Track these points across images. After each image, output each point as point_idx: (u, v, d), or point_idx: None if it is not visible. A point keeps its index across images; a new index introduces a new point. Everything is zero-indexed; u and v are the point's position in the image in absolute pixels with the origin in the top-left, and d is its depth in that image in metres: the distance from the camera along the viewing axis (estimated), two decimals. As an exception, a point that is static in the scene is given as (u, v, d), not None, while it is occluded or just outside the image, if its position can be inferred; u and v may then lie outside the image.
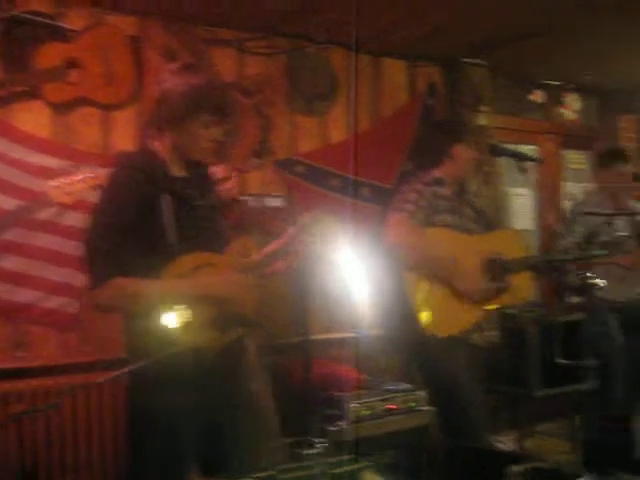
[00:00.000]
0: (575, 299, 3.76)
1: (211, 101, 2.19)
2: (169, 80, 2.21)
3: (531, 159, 3.51)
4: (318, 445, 1.31)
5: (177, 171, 2.25)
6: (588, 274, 2.83)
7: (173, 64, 2.31)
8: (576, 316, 3.76)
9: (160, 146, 2.23)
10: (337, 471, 1.40)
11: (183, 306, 2.02)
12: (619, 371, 3.98)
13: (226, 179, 3.47)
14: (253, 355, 3.14)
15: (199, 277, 2.11)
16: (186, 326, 2.01)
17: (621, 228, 4.12)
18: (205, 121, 2.19)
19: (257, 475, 1.56)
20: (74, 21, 3.90)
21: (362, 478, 1.31)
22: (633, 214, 4.08)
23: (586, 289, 2.83)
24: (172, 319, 2.01)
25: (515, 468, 0.85)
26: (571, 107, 6.37)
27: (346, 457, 1.56)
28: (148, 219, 2.09)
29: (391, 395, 3.84)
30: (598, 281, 2.92)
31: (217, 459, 2.17)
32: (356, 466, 1.44)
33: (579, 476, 0.81)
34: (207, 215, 2.24)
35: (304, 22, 4.38)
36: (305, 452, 1.26)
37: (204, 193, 2.28)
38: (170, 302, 2.02)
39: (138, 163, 2.19)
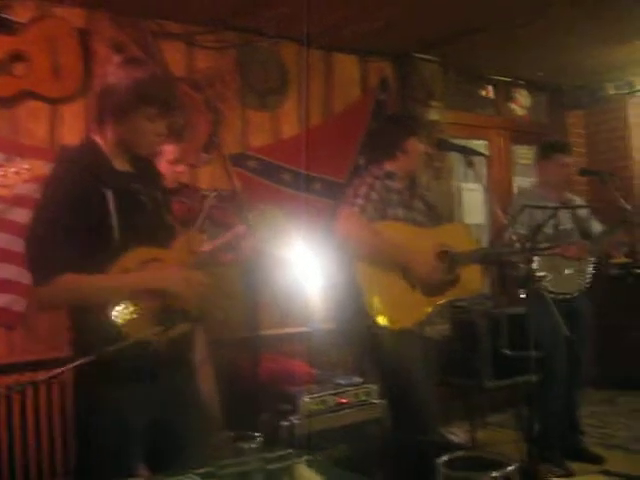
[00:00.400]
0: (522, 291, 3.81)
1: (156, 94, 2.16)
2: (113, 73, 2.18)
3: (478, 153, 3.55)
4: (257, 439, 1.30)
5: (122, 165, 2.22)
6: (532, 266, 2.87)
7: (117, 57, 2.27)
8: (523, 308, 3.82)
9: (104, 140, 2.19)
10: (271, 467, 1.40)
11: (129, 301, 2.00)
12: (564, 362, 4.07)
13: (178, 173, 3.46)
14: (200, 350, 3.14)
15: (145, 272, 2.09)
16: (132, 321, 1.99)
17: (564, 220, 4.21)
18: (150, 115, 2.16)
19: (197, 471, 1.55)
20: (20, 13, 3.82)
21: (295, 473, 1.31)
22: (574, 207, 4.15)
23: (531, 281, 2.87)
24: (118, 315, 1.99)
25: (443, 457, 0.86)
26: (521, 103, 6.46)
27: (281, 452, 1.57)
28: (92, 214, 2.06)
29: (342, 389, 3.86)
30: (542, 273, 2.97)
31: (163, 454, 2.16)
32: (289, 461, 1.45)
33: (508, 465, 0.82)
34: (153, 210, 2.22)
35: (255, 16, 4.37)
36: (243, 446, 1.26)
37: (150, 188, 2.25)
38: (116, 297, 2.00)
39: (81, 157, 2.15)
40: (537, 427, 4.28)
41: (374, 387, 3.92)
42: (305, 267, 3.95)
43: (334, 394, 3.81)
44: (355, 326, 3.41)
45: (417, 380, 3.37)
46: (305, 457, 1.59)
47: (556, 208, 3.48)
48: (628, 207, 3.87)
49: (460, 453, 0.86)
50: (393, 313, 3.29)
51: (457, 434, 4.83)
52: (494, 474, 0.81)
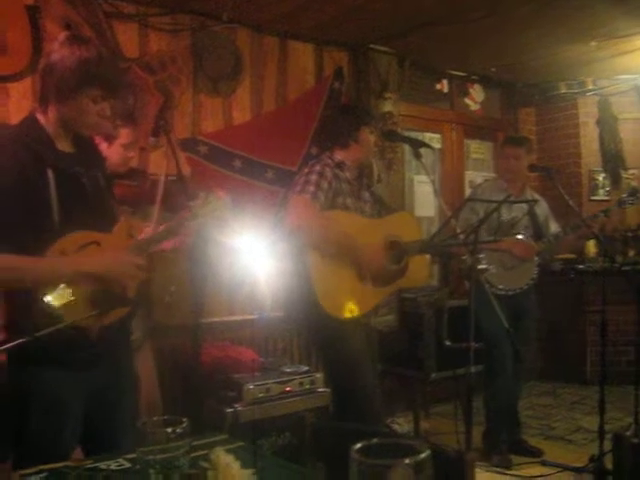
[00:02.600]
0: (467, 283, 3.86)
1: (100, 75, 2.12)
2: (57, 51, 2.13)
3: (426, 145, 3.56)
4: (183, 425, 1.30)
5: (64, 146, 2.18)
6: (476, 259, 2.90)
7: (62, 34, 2.21)
8: (466, 300, 3.87)
9: (47, 119, 2.15)
10: (194, 453, 1.40)
11: (65, 284, 1.97)
12: (505, 355, 4.14)
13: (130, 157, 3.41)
14: (139, 335, 3.11)
15: (82, 256, 2.06)
16: (68, 304, 1.97)
17: (514, 214, 4.25)
18: (94, 95, 2.12)
19: (127, 456, 1.54)
20: (-34, -12, 3.73)
21: (214, 458, 1.31)
22: (518, 202, 4.20)
23: (473, 274, 2.90)
24: (54, 297, 1.96)
25: (358, 444, 0.87)
26: (474, 98, 6.53)
27: (214, 438, 1.57)
28: (31, 194, 2.02)
29: (288, 377, 3.88)
30: (485, 266, 3.01)
31: (99, 439, 2.14)
32: (207, 447, 1.45)
33: (421, 451, 0.83)
34: (94, 192, 2.18)
35: (210, 0, 4.33)
36: (168, 431, 1.25)
37: (92, 170, 2.22)
38: (52, 280, 1.97)
39: (22, 135, 2.10)
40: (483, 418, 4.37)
41: (319, 375, 3.95)
42: (254, 254, 3.94)
43: (279, 382, 3.83)
44: (303, 315, 3.41)
45: (361, 370, 3.39)
46: (237, 444, 1.59)
47: (499, 202, 3.51)
48: (572, 203, 3.92)
49: (375, 440, 0.87)
50: (341, 302, 3.30)
51: (401, 424, 4.88)
52: (407, 461, 0.82)
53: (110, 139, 3.18)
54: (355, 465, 0.83)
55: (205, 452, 1.43)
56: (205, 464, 1.40)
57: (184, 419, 1.31)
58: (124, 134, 3.29)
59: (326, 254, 3.26)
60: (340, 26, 4.89)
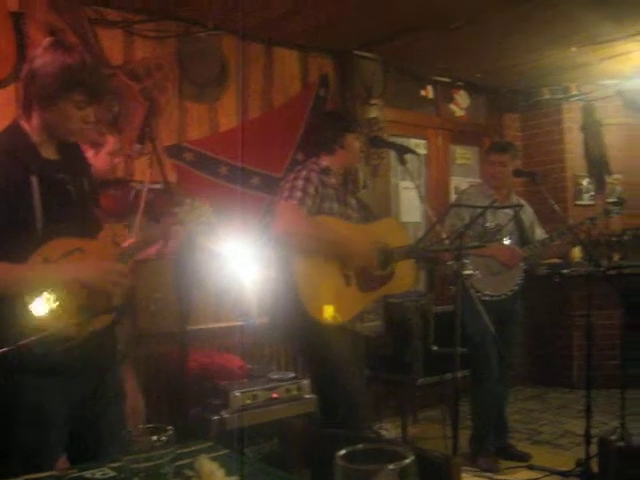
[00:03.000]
0: (452, 289, 3.87)
1: (84, 80, 2.11)
2: (41, 57, 2.13)
3: (411, 151, 3.57)
4: (168, 432, 1.29)
5: (49, 153, 2.17)
6: (461, 264, 2.91)
7: (46, 40, 2.21)
8: (452, 306, 3.88)
9: (31, 126, 2.14)
10: (180, 461, 1.39)
11: (49, 292, 1.96)
12: (491, 360, 4.15)
13: (115, 164, 3.40)
14: (124, 343, 3.09)
15: (66, 263, 2.05)
16: (51, 313, 1.95)
17: (495, 220, 4.26)
18: (77, 101, 2.11)
19: (112, 465, 1.53)
20: (-51, -6, 3.71)
21: (198, 466, 1.31)
22: (503, 207, 4.21)
23: (459, 279, 2.91)
24: (37, 306, 1.95)
25: (342, 450, 0.86)
26: (459, 104, 6.55)
27: (201, 445, 1.56)
28: (15, 201, 2.01)
29: (275, 384, 3.87)
30: (470, 271, 3.02)
31: (84, 447, 2.13)
32: (192, 455, 1.44)
33: (406, 457, 0.83)
34: (78, 199, 2.17)
35: (195, 7, 4.32)
36: (154, 439, 1.25)
37: (76, 176, 2.21)
38: (35, 288, 1.96)
39: (5, 142, 2.10)
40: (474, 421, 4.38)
41: (306, 382, 3.94)
42: (240, 261, 3.93)
43: (266, 389, 3.83)
44: (289, 321, 3.40)
45: (348, 376, 3.38)
46: (223, 451, 1.58)
47: (484, 207, 3.52)
48: (558, 208, 3.95)
49: (360, 446, 0.87)
50: (326, 308, 3.29)
51: (389, 429, 4.88)
52: (391, 467, 0.81)
53: (97, 147, 3.17)
54: (340, 471, 0.83)
55: (190, 460, 1.43)
56: (189, 472, 1.40)
57: (169, 427, 1.30)
58: (110, 142, 3.28)
59: (312, 260, 3.26)
60: (325, 33, 4.90)
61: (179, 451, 1.38)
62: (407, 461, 0.82)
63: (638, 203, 5.95)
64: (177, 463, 1.33)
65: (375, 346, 4.40)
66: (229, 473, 1.31)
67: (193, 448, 1.65)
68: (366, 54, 5.37)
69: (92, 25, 4.16)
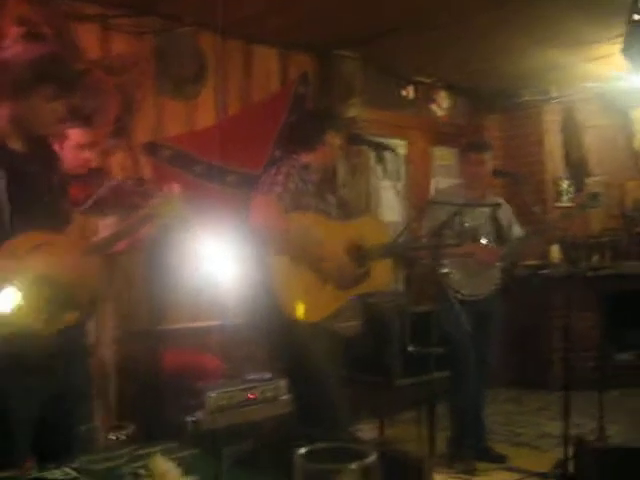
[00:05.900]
0: (431, 288, 3.85)
1: (54, 73, 2.08)
2: (10, 48, 2.08)
3: (389, 149, 3.55)
4: (128, 431, 1.25)
5: (17, 145, 2.13)
6: (438, 264, 2.89)
7: (16, 31, 2.16)
8: (430, 306, 3.86)
9: (-1, 118, 2.09)
10: (139, 462, 1.35)
11: (17, 287, 1.91)
12: (469, 361, 4.13)
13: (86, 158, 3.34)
14: (94, 339, 3.04)
15: (36, 257, 2.00)
16: (20, 308, 1.91)
17: (472, 219, 4.24)
18: (47, 94, 2.07)
19: (73, 465, 1.49)
20: None
21: (152, 465, 1.26)
22: (482, 205, 4.18)
23: (436, 278, 2.89)
24: (3, 301, 1.90)
25: (301, 449, 0.82)
26: (440, 104, 6.53)
27: (150, 445, 1.51)
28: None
29: (251, 384, 3.83)
30: (446, 270, 2.99)
31: (51, 446, 2.07)
32: (145, 452, 1.40)
33: (368, 455, 0.79)
34: (47, 193, 2.13)
35: (174, 2, 4.27)
36: (112, 438, 1.21)
37: (45, 170, 2.16)
38: (4, 282, 1.91)
39: None
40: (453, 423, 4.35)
41: (283, 383, 3.90)
42: (217, 259, 3.88)
43: (242, 389, 3.78)
44: (266, 320, 3.36)
45: (324, 376, 3.34)
46: (188, 452, 1.54)
47: (461, 205, 3.50)
48: (537, 209, 3.94)
49: (321, 444, 0.83)
50: (302, 306, 3.25)
51: (366, 431, 4.84)
52: (353, 466, 0.77)
53: (61, 139, 3.11)
54: (299, 470, 0.79)
55: (144, 461, 1.38)
56: (143, 472, 1.35)
57: (130, 425, 1.26)
58: (78, 134, 3.23)
59: (288, 257, 3.22)
60: (305, 30, 4.86)
61: (140, 451, 1.34)
62: (369, 460, 0.78)
63: (617, 205, 5.97)
64: (136, 464, 1.29)
65: (352, 346, 4.36)
66: (188, 473, 1.27)
67: (155, 448, 1.60)
68: (346, 53, 5.34)
69: (68, 19, 4.09)
